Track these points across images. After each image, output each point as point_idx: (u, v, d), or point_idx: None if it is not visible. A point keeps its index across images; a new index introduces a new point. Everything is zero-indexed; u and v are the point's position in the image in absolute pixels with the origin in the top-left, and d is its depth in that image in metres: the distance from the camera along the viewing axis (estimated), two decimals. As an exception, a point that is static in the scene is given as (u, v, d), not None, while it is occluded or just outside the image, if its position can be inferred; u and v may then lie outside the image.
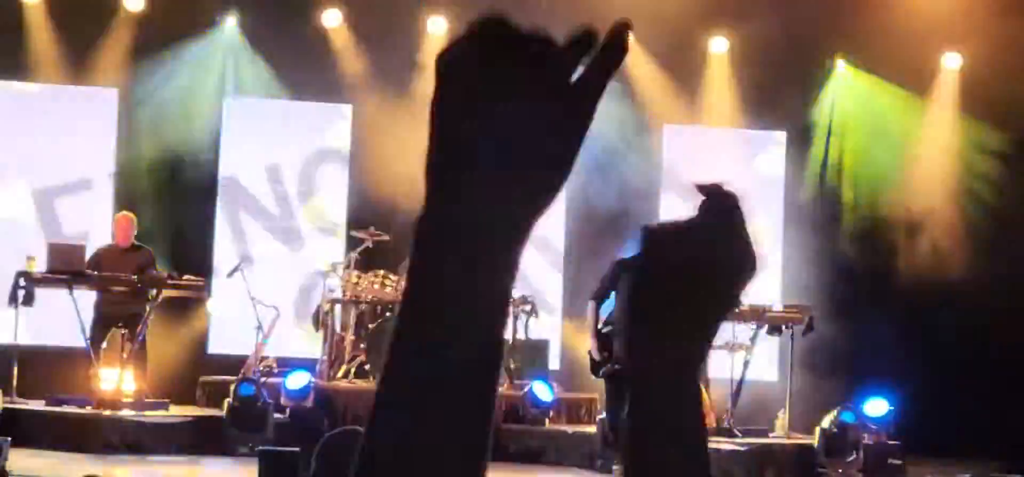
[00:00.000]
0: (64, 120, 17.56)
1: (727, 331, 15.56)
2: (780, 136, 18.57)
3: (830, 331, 16.16)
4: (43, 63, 17.25)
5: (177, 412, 15.19)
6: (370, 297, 16.05)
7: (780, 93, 17.96)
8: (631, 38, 1.34)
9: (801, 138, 18.43)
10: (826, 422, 14.58)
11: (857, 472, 14.53)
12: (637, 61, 17.68)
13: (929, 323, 16.93)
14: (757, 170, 18.51)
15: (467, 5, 17.18)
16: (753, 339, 15.58)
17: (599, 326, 13.22)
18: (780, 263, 18.15)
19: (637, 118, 17.85)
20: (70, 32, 16.98)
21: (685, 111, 18.23)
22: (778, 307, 15.82)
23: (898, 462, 14.90)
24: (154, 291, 15.15)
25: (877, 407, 15.22)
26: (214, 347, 17.59)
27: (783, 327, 15.54)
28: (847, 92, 18.46)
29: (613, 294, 12.91)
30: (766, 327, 15.53)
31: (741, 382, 15.54)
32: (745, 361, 15.52)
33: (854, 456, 14.48)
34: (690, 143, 18.56)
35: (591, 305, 13.38)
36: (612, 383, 13.13)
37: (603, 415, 14.19)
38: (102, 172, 17.64)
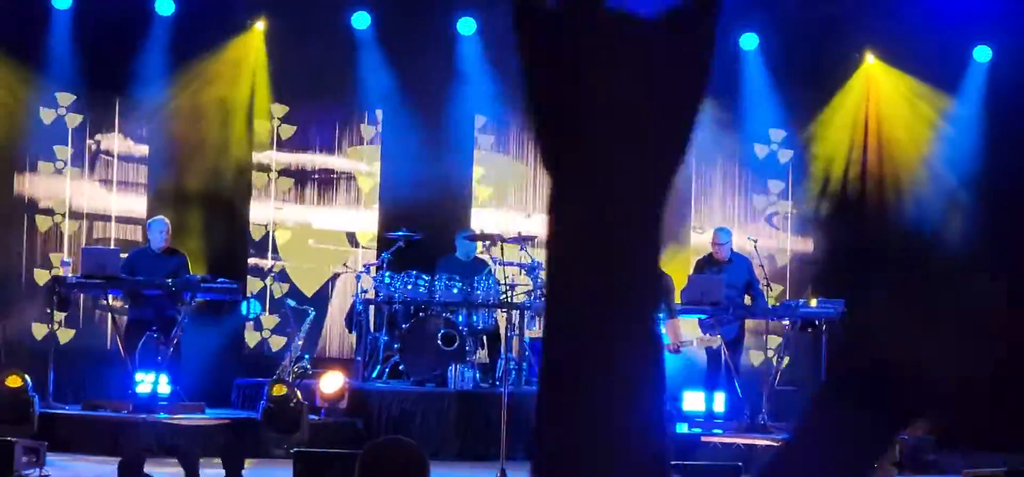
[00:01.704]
0: (97, 125, 17.63)
1: (760, 328, 15.57)
2: (809, 131, 18.54)
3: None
4: (72, 70, 17.28)
5: (212, 414, 15.24)
6: (403, 298, 16.08)
7: (810, 87, 17.95)
8: None
9: (830, 133, 18.40)
10: (860, 417, 14.53)
11: (891, 466, 14.49)
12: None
13: (964, 317, 16.85)
14: (786, 166, 18.49)
15: (498, 5, 17.23)
16: (787, 335, 15.56)
17: None
18: (812, 259, 18.13)
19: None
20: (100, 39, 17.01)
21: (713, 108, 18.19)
22: (811, 303, 15.80)
23: (932, 455, 14.86)
24: (189, 294, 15.21)
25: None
26: (249, 349, 17.66)
27: (816, 323, 15.51)
28: (877, 86, 18.43)
29: None
30: (799, 323, 15.51)
31: (775, 378, 15.52)
32: (779, 357, 15.50)
33: (888, 451, 14.44)
34: (719, 140, 18.54)
35: None
36: None
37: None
38: (137, 177, 17.72)
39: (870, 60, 18.35)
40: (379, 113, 18.15)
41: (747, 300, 15.82)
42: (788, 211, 18.55)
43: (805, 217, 18.47)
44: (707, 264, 16.13)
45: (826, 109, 18.37)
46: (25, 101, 17.21)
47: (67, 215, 17.58)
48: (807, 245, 18.27)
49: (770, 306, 15.79)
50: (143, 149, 17.76)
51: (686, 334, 14.83)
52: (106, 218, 17.70)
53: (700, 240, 17.82)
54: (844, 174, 18.33)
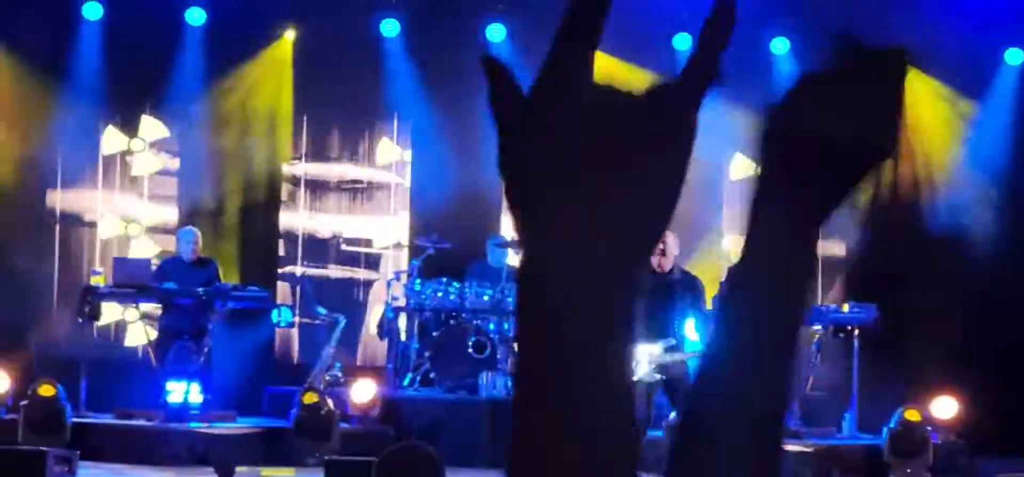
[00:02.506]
0: (128, 135, 17.68)
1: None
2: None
3: (896, 330, 16.07)
4: (103, 81, 17.31)
5: (244, 423, 15.26)
6: (433, 305, 16.08)
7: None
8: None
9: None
10: (893, 422, 14.49)
11: (925, 472, 14.43)
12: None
13: (996, 321, 16.80)
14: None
15: (528, 11, 17.22)
16: (819, 339, 15.51)
17: None
18: (843, 263, 18.06)
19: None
20: (131, 50, 17.03)
21: (744, 113, 18.11)
22: (842, 308, 15.74)
23: (966, 461, 14.79)
24: (220, 303, 15.24)
25: (945, 406, 15.12)
26: (280, 357, 17.67)
27: (847, 328, 15.45)
28: (908, 90, 18.32)
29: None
30: (832, 328, 15.45)
31: (807, 382, 15.47)
32: (811, 361, 15.45)
33: (922, 456, 14.39)
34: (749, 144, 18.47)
35: None
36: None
37: (672, 418, 14.12)
38: (168, 187, 17.78)
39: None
40: (409, 121, 18.15)
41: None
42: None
43: (837, 221, 18.37)
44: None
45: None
46: (56, 112, 17.25)
47: (98, 225, 17.63)
48: (839, 249, 18.18)
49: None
50: (174, 160, 17.80)
51: None
52: (137, 228, 17.74)
53: (732, 246, 17.77)
54: (876, 178, 18.23)
